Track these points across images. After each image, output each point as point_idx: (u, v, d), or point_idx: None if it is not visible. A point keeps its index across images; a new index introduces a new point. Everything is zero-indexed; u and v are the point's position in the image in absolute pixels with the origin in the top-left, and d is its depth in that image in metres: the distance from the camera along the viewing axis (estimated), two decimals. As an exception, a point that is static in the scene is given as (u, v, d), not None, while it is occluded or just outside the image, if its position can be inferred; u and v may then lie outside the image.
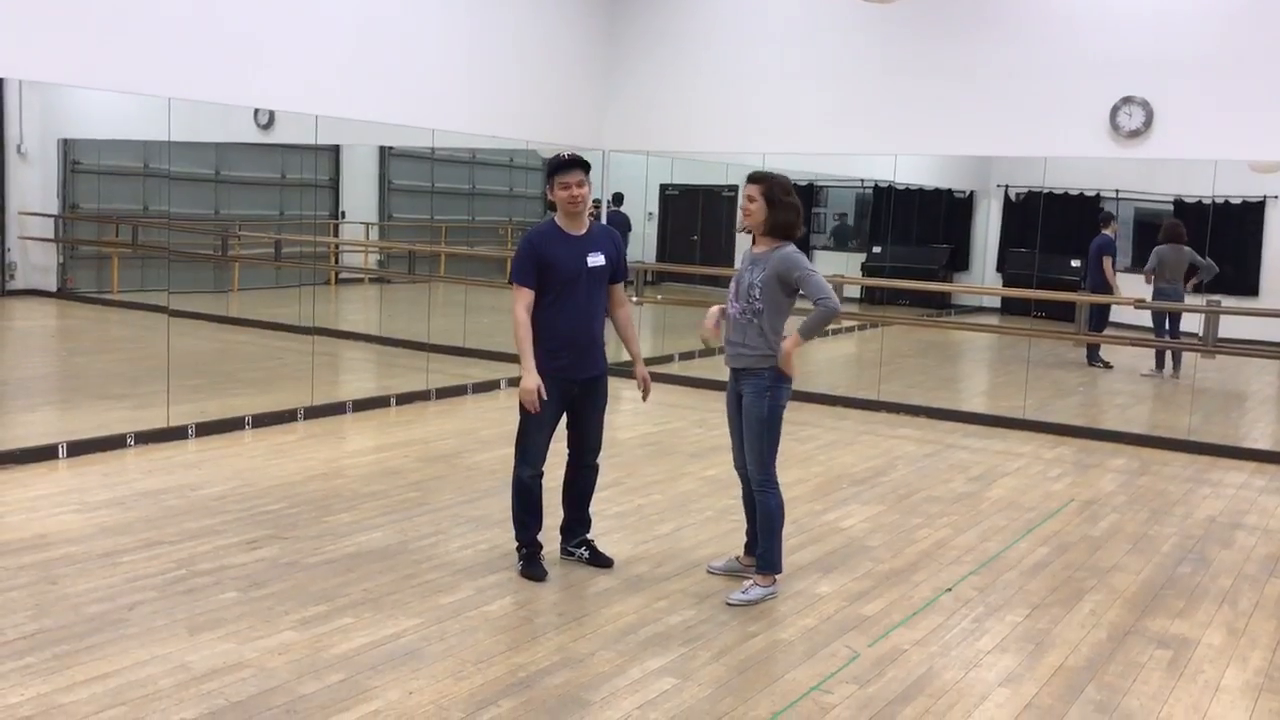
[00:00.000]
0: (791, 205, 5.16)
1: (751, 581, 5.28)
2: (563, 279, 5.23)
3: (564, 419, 5.49)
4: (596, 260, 5.30)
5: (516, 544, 5.50)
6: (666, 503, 6.86)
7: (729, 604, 5.14)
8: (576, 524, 5.66)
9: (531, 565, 5.43)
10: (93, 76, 7.47)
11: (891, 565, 5.86)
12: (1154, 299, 11.83)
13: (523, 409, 5.30)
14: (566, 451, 5.57)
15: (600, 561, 5.59)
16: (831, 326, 14.58)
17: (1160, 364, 12.32)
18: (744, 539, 5.61)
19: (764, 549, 5.28)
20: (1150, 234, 13.21)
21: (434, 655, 4.43)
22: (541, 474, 5.44)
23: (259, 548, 5.63)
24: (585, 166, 5.27)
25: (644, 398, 5.63)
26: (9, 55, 6.95)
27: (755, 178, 5.20)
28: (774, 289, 5.12)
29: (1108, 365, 12.81)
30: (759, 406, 5.19)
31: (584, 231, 5.32)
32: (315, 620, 4.72)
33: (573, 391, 5.37)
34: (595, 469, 5.64)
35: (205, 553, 5.51)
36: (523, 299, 5.21)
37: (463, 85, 9.96)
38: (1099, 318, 12.39)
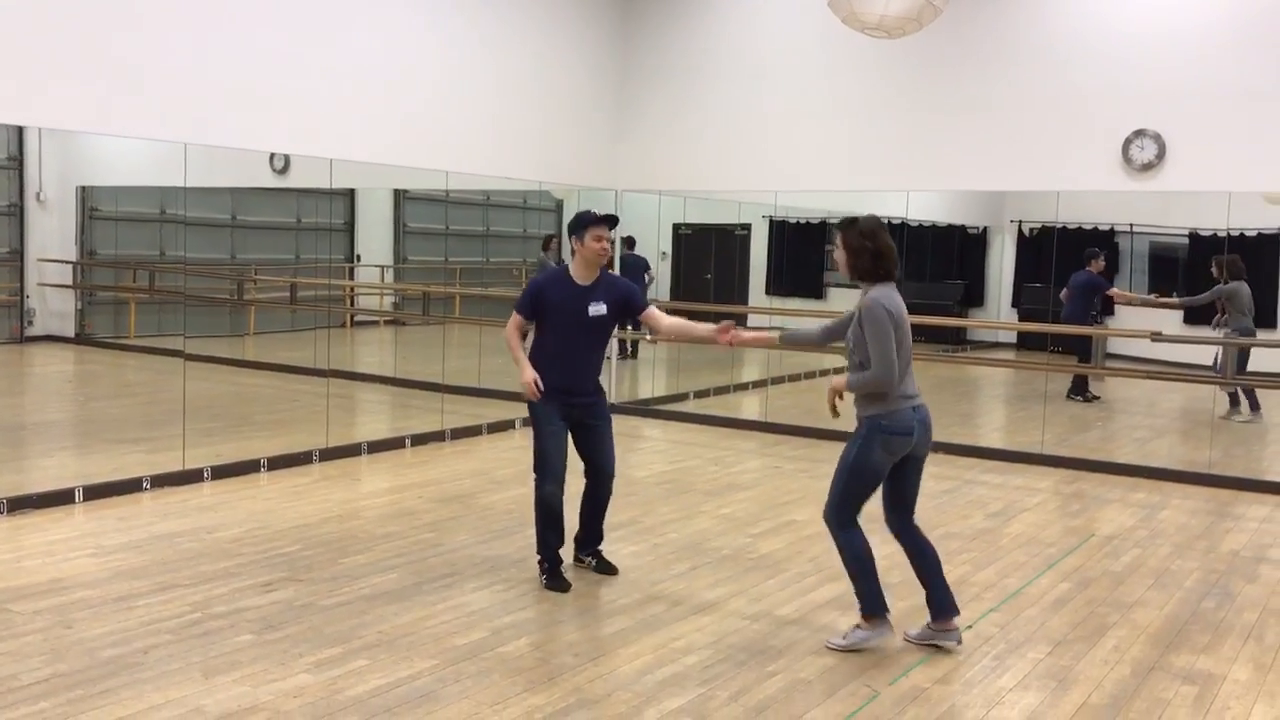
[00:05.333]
0: (864, 248, 4.94)
1: (855, 624, 5.13)
2: (562, 322, 5.71)
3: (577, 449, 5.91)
4: (598, 309, 5.72)
5: (539, 558, 5.86)
6: (682, 541, 6.82)
7: (828, 647, 5.04)
8: (590, 537, 6.08)
9: (554, 579, 5.76)
10: (110, 124, 7.55)
11: (911, 602, 5.78)
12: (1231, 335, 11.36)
13: (535, 425, 5.77)
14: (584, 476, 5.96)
15: (606, 569, 6.01)
16: (846, 363, 14.69)
17: (1235, 403, 11.62)
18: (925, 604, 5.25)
19: (857, 593, 5.11)
20: (1166, 266, 13.17)
21: (449, 697, 4.39)
22: (561, 489, 5.76)
23: (274, 590, 5.61)
24: (615, 223, 5.78)
25: (731, 338, 5.58)
26: (28, 104, 7.03)
27: (839, 225, 5.05)
28: (862, 338, 4.93)
29: (1089, 399, 12.53)
30: (849, 452, 5.03)
31: (591, 282, 5.74)
32: (330, 663, 4.69)
33: (574, 414, 5.78)
34: (608, 486, 5.94)
35: (220, 595, 5.50)
36: (513, 320, 5.81)
37: (476, 128, 10.03)
38: (1084, 351, 12.27)
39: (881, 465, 5.00)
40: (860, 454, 4.98)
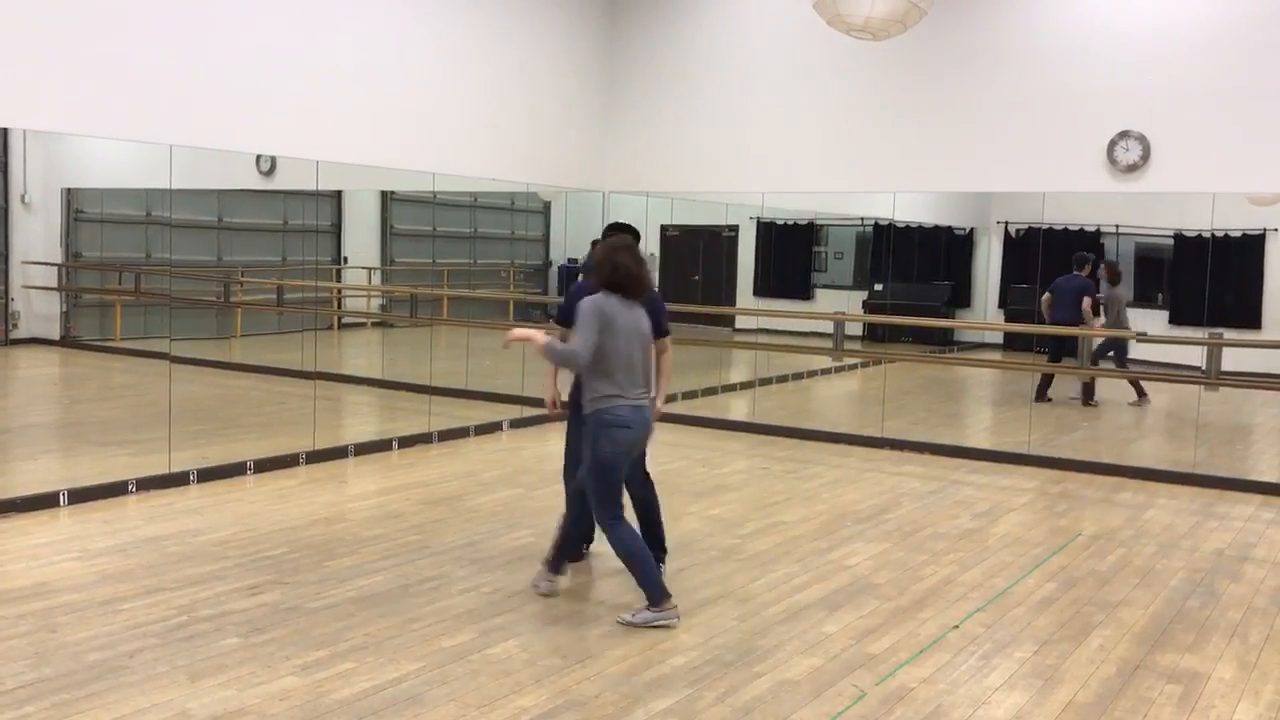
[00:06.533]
0: (605, 261, 5.37)
1: (645, 604, 5.37)
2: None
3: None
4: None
5: None
6: (670, 542, 6.79)
7: (619, 622, 5.32)
8: (653, 546, 5.86)
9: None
10: (95, 125, 7.53)
11: (898, 603, 5.81)
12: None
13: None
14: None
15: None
16: (834, 364, 14.76)
17: (1141, 393, 12.61)
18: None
19: (638, 582, 5.40)
20: (1151, 267, 13.25)
21: (436, 699, 4.39)
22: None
23: (260, 593, 5.59)
24: (635, 235, 6.02)
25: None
26: (12, 106, 7.01)
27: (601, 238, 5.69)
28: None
29: (1045, 398, 12.54)
30: (586, 455, 5.43)
31: None
32: (316, 666, 4.68)
33: None
34: (648, 490, 6.09)
35: (206, 599, 5.48)
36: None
37: (463, 129, 10.03)
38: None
39: (614, 455, 5.33)
40: (592, 450, 5.34)
